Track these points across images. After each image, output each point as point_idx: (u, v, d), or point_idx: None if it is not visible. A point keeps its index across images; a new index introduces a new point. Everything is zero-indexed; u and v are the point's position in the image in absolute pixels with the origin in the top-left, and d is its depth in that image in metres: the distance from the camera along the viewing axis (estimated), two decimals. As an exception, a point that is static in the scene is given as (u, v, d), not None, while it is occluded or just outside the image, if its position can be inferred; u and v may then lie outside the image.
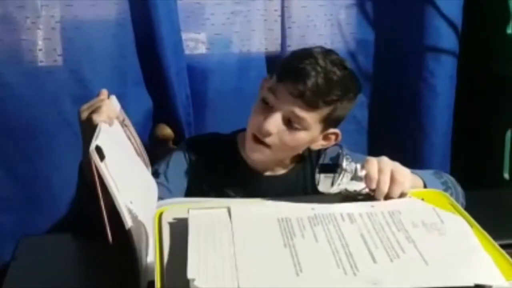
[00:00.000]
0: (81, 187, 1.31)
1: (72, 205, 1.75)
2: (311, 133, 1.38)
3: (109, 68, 1.82)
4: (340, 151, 1.07)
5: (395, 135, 2.04)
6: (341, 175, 1.04)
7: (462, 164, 2.02)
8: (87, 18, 1.80)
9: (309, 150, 1.47)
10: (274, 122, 1.35)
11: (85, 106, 1.21)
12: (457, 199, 1.27)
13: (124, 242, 1.04)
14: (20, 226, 1.85)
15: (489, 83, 2.06)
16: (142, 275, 1.07)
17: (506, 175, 2.08)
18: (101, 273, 1.17)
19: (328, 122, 1.38)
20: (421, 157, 2.00)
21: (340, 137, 1.43)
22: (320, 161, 1.10)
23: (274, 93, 1.36)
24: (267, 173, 1.46)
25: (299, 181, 1.47)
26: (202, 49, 1.97)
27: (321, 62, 1.34)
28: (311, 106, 1.33)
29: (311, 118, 1.35)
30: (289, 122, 1.35)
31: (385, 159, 1.08)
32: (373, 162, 1.07)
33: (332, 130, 1.42)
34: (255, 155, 1.41)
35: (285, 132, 1.36)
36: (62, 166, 1.84)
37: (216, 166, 1.46)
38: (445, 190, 1.24)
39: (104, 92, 1.27)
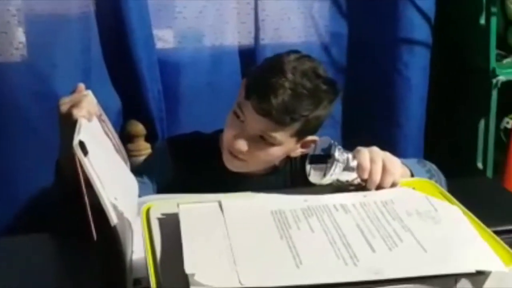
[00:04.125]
0: (60, 184, 1.27)
1: (44, 203, 1.71)
2: (286, 146, 1.36)
3: (72, 63, 1.78)
4: (332, 141, 1.06)
5: (369, 127, 2.05)
6: (334, 166, 1.02)
7: (436, 154, 2.03)
8: (46, 11, 1.75)
9: None
10: (244, 142, 1.33)
11: (65, 100, 1.18)
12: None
13: (108, 239, 1.02)
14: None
15: (462, 74, 2.08)
16: (128, 272, 1.04)
17: (480, 165, 2.11)
18: (85, 272, 1.14)
19: (303, 133, 1.36)
20: (396, 149, 2.00)
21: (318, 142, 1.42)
22: (311, 152, 1.08)
23: (242, 109, 1.33)
24: (249, 174, 1.44)
25: (280, 180, 1.46)
26: (174, 43, 1.94)
27: (289, 75, 1.29)
28: (279, 124, 1.30)
29: (282, 135, 1.32)
30: (261, 138, 1.33)
31: (376, 149, 1.07)
32: (365, 152, 1.06)
33: (310, 138, 1.38)
34: (232, 167, 1.39)
35: (257, 148, 1.34)
36: (22, 163, 1.79)
37: (197, 166, 1.44)
38: (430, 177, 1.24)
39: (82, 87, 1.25)
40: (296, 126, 1.32)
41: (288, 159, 1.46)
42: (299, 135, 1.35)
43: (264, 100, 1.28)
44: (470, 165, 2.12)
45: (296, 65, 1.31)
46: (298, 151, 1.41)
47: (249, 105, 1.31)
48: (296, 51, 1.37)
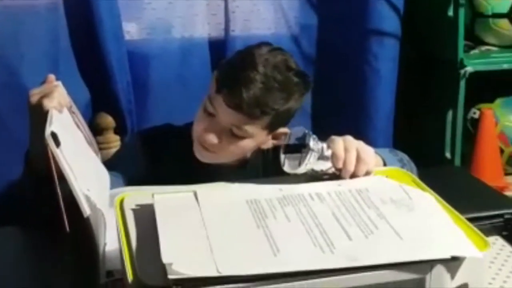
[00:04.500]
0: (30, 176, 1.25)
1: (13, 196, 1.68)
2: (257, 139, 1.36)
3: (40, 54, 1.74)
4: (306, 131, 1.06)
5: (338, 118, 2.06)
6: (309, 155, 1.03)
7: (404, 145, 2.05)
8: (14, 1, 1.71)
9: None
10: (214, 135, 1.32)
11: (36, 90, 1.17)
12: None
13: (81, 231, 1.01)
14: None
15: (430, 65, 2.11)
16: (101, 264, 1.03)
17: (448, 155, 2.14)
18: (58, 264, 1.13)
19: (274, 126, 1.35)
20: (365, 139, 1.99)
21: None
22: (285, 142, 1.08)
23: (212, 102, 1.32)
24: (221, 166, 1.43)
25: (253, 171, 1.46)
26: (143, 35, 1.93)
27: (260, 69, 1.28)
28: (250, 117, 1.30)
29: (253, 128, 1.32)
30: (232, 132, 1.33)
31: (350, 138, 1.08)
32: (339, 141, 1.06)
33: (281, 130, 1.38)
34: (203, 158, 1.39)
35: (228, 141, 1.34)
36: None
37: (170, 158, 1.43)
38: (402, 167, 1.25)
39: (52, 77, 1.23)
40: (267, 119, 1.32)
41: (260, 150, 1.46)
42: (270, 127, 1.35)
43: (235, 93, 1.28)
44: (438, 155, 2.15)
45: (267, 58, 1.30)
46: (269, 142, 1.41)
47: (220, 99, 1.30)
48: (267, 43, 1.37)
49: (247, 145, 1.36)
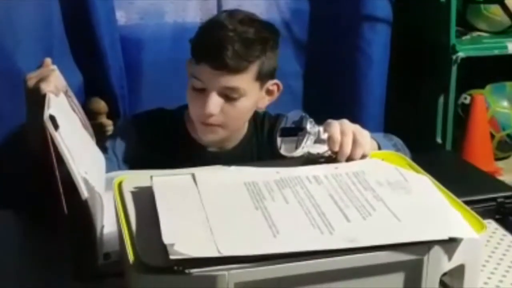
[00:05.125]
0: (27, 159, 1.26)
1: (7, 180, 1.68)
2: (252, 96, 1.38)
3: (34, 39, 1.73)
4: (303, 114, 1.07)
5: (330, 104, 2.06)
6: (306, 138, 1.03)
7: (396, 130, 2.06)
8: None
9: (254, 123, 1.47)
10: (213, 104, 1.33)
11: (33, 74, 1.18)
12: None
13: (79, 213, 1.01)
14: None
15: (422, 51, 2.11)
16: (99, 246, 1.04)
17: (439, 140, 2.15)
18: (55, 246, 1.13)
19: (262, 77, 1.38)
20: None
21: (281, 86, 1.44)
22: (282, 125, 1.09)
23: (198, 77, 1.34)
24: (215, 149, 1.45)
25: (246, 154, 1.47)
26: (136, 20, 1.92)
27: (230, 27, 1.33)
28: (237, 71, 1.32)
29: (243, 82, 1.34)
30: (226, 96, 1.34)
31: (346, 122, 1.09)
32: (336, 125, 1.07)
33: (270, 82, 1.42)
34: (210, 137, 1.40)
35: (226, 107, 1.35)
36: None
37: (163, 142, 1.44)
38: (396, 151, 1.26)
39: (49, 61, 1.23)
40: (253, 69, 1.35)
41: (253, 133, 1.47)
42: (260, 79, 1.37)
43: (217, 54, 1.31)
44: (429, 140, 2.16)
45: (231, 18, 1.35)
46: (265, 100, 1.44)
47: (204, 67, 1.33)
48: (225, 10, 1.44)
49: (245, 105, 1.37)
